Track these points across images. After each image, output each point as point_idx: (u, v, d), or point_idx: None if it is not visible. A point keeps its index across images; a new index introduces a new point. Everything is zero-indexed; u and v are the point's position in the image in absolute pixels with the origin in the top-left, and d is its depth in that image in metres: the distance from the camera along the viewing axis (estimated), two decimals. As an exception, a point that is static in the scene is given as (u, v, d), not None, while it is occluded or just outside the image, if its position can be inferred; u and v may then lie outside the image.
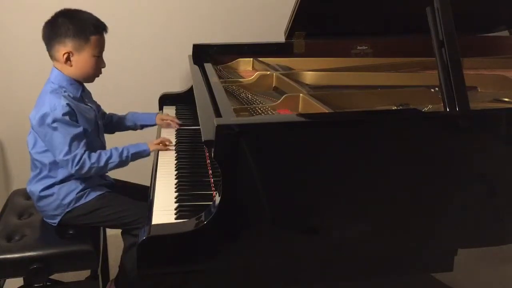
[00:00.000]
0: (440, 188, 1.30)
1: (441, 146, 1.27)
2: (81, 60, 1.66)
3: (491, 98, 1.64)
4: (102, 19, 1.72)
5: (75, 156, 1.62)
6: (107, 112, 2.01)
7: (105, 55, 1.74)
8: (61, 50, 1.65)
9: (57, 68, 1.69)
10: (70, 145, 1.61)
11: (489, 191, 1.33)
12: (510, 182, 1.35)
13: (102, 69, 1.75)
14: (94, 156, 1.66)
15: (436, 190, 1.30)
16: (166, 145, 1.80)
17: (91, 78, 1.73)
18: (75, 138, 1.62)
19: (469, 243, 1.37)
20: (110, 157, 1.68)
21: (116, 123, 2.02)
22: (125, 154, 1.71)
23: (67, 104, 1.62)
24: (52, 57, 1.69)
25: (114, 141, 1.93)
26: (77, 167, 1.62)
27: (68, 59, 1.65)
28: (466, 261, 1.43)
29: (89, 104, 1.76)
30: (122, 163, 1.71)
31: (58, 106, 1.60)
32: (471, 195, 1.32)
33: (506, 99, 1.62)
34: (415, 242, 1.33)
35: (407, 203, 1.29)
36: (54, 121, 1.59)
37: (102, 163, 1.66)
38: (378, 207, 1.27)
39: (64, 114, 1.60)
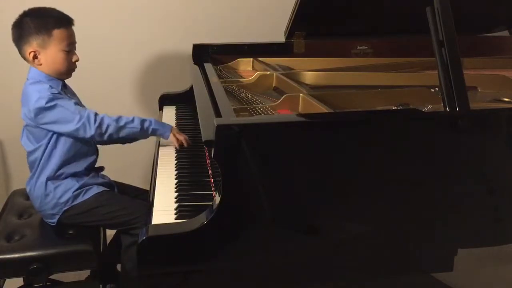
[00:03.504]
0: (440, 188, 1.30)
1: (441, 146, 1.27)
2: (49, 57, 1.64)
3: (491, 98, 1.64)
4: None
5: (88, 116, 1.61)
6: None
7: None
8: (28, 49, 1.63)
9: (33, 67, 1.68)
10: (78, 111, 1.61)
11: (489, 191, 1.33)
12: (510, 182, 1.35)
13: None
14: (114, 116, 1.65)
15: (436, 190, 1.30)
16: (182, 143, 1.73)
17: (64, 74, 1.70)
18: (77, 105, 1.63)
19: (469, 243, 1.37)
20: (131, 121, 1.66)
21: None
22: (147, 124, 1.68)
23: (50, 86, 1.62)
24: (24, 59, 1.67)
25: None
26: (96, 125, 1.60)
27: (35, 58, 1.64)
28: (466, 261, 1.42)
29: (72, 99, 1.74)
30: (142, 132, 1.68)
31: (43, 90, 1.61)
32: (471, 195, 1.31)
33: (506, 99, 1.62)
34: (415, 242, 1.33)
35: (407, 203, 1.29)
36: (48, 101, 1.59)
37: (121, 123, 1.64)
38: (378, 207, 1.27)
39: (53, 93, 1.61)
